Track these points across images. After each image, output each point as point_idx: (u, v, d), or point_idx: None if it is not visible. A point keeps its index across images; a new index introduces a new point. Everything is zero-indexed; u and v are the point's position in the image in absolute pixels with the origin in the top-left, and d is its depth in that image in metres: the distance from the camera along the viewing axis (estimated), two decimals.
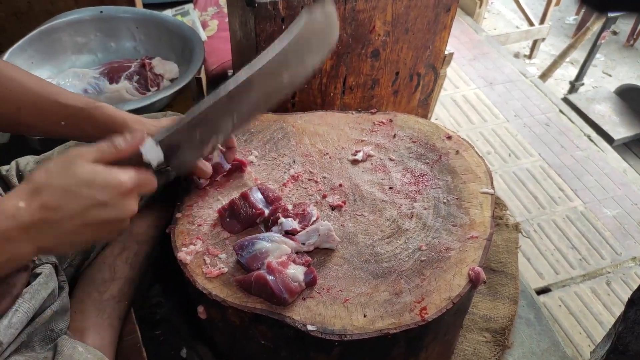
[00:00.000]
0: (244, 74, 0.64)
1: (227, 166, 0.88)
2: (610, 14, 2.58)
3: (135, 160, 0.58)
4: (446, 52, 1.42)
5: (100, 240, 0.59)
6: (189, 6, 2.08)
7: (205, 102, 0.63)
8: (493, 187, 0.94)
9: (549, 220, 1.95)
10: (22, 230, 0.52)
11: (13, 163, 0.88)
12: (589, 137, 2.31)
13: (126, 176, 0.56)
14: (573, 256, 1.80)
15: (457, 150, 1.00)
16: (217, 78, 1.77)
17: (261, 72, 0.65)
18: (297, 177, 0.94)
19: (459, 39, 2.83)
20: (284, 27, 1.12)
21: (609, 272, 1.75)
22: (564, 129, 2.35)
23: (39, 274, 0.71)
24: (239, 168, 0.91)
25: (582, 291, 1.68)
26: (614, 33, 3.99)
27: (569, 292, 1.67)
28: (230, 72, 1.68)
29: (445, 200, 0.90)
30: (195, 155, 0.68)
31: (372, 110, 1.10)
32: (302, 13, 0.67)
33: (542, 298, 1.58)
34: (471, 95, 2.52)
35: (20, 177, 0.86)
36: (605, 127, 2.71)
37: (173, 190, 0.92)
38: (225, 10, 2.14)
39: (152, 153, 0.59)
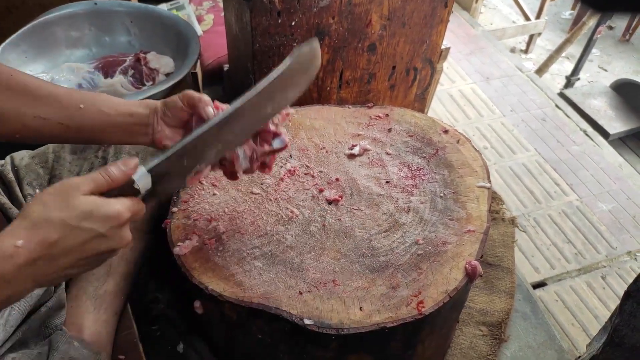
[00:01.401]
0: (232, 106, 0.68)
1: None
2: (608, 13, 2.58)
3: (124, 187, 0.59)
4: (443, 47, 1.41)
5: (93, 269, 0.59)
6: (184, 0, 2.06)
7: (194, 132, 0.65)
8: (489, 181, 0.94)
9: (545, 215, 1.95)
10: (21, 270, 0.50)
11: (8, 158, 0.88)
12: (584, 131, 2.32)
13: (123, 207, 0.56)
14: (569, 250, 1.81)
15: (459, 139, 0.99)
16: (213, 72, 1.76)
17: (248, 105, 0.69)
18: (294, 171, 0.93)
19: (455, 34, 2.83)
20: (279, 20, 1.11)
21: (605, 266, 1.75)
22: (560, 123, 2.36)
23: None
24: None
25: (577, 285, 1.68)
26: (610, 28, 3.99)
27: (565, 286, 1.68)
28: (225, 66, 1.67)
29: (442, 194, 0.90)
30: (179, 182, 0.67)
31: (369, 105, 1.10)
32: (294, 51, 0.71)
33: (538, 292, 1.59)
34: (468, 90, 2.52)
35: (16, 171, 0.85)
36: (601, 122, 2.72)
37: None
38: (221, 4, 2.12)
39: (143, 181, 0.59)
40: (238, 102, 0.68)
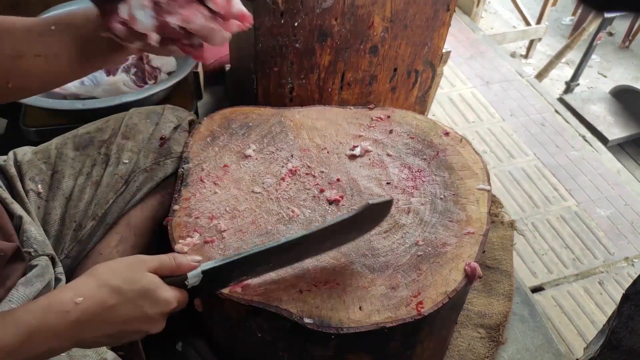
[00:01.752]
0: (294, 235, 0.70)
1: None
2: (609, 15, 2.59)
3: (177, 277, 0.63)
4: (443, 50, 1.42)
5: (119, 344, 0.62)
6: None
7: (254, 247, 0.70)
8: (490, 184, 0.94)
9: (543, 220, 1.96)
10: (71, 326, 0.53)
11: (11, 153, 0.88)
12: (583, 137, 2.33)
13: (174, 299, 0.60)
14: (566, 255, 1.81)
15: (462, 139, 1.00)
16: (214, 72, 1.76)
17: (310, 237, 0.71)
18: (295, 171, 0.94)
19: (456, 38, 2.84)
20: (282, 21, 1.12)
21: (602, 272, 1.76)
22: (559, 128, 2.37)
23: (35, 266, 0.71)
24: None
25: (575, 290, 1.69)
26: (610, 34, 4.01)
27: (562, 291, 1.68)
28: (227, 66, 1.68)
29: (442, 196, 0.91)
30: (221, 286, 0.71)
31: (370, 106, 1.10)
32: (368, 202, 0.72)
33: (535, 297, 1.60)
34: (467, 94, 2.53)
35: (18, 167, 0.85)
36: (599, 128, 2.73)
37: (170, 183, 0.92)
38: None
39: (194, 279, 0.64)
40: (301, 233, 0.70)
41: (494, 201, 1.30)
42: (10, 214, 0.76)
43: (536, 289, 1.65)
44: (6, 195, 0.79)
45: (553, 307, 1.61)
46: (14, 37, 0.62)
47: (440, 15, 1.25)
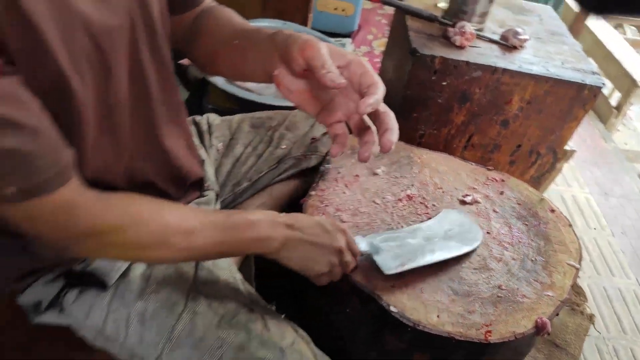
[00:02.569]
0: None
1: None
2: (606, 17, 2.42)
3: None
4: (568, 148, 1.51)
5: (314, 270, 0.81)
6: (346, 40, 2.38)
7: (405, 228, 0.99)
8: (580, 264, 1.02)
9: (627, 347, 1.88)
10: (281, 226, 0.76)
11: (205, 116, 1.15)
12: None
13: (343, 239, 0.82)
14: None
15: (566, 220, 1.10)
16: None
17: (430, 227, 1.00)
18: (412, 197, 1.10)
19: (585, 142, 2.84)
20: (434, 77, 1.31)
21: None
22: None
23: (204, 196, 0.95)
24: None
25: None
26: None
27: None
28: None
29: (533, 259, 1.01)
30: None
31: (489, 167, 1.24)
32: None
33: None
34: (581, 198, 2.51)
35: (209, 126, 1.12)
36: None
37: (310, 173, 1.13)
38: (375, 52, 2.42)
39: (362, 245, 0.88)
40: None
41: (579, 293, 1.33)
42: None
43: None
44: (198, 142, 1.05)
45: None
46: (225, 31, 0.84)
47: (574, 110, 1.36)
